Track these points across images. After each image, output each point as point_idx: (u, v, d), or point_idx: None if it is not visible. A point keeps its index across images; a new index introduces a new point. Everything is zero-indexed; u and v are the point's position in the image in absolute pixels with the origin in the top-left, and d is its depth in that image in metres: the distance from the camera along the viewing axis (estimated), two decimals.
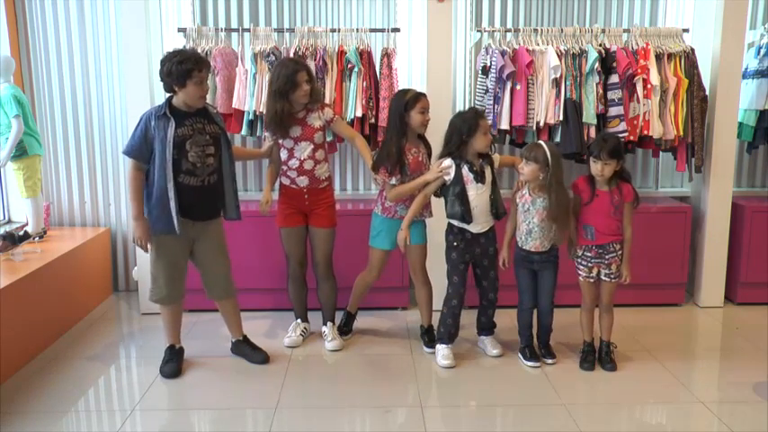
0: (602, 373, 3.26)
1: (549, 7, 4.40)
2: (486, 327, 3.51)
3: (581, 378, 3.22)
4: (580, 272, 3.28)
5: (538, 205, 3.20)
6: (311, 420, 2.83)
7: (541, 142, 3.27)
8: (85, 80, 4.33)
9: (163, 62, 2.99)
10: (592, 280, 3.27)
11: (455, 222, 3.31)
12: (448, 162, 3.24)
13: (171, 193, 2.98)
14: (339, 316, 3.71)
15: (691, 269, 4.29)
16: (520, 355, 3.40)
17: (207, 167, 3.06)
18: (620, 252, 3.21)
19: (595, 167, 3.14)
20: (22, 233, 3.93)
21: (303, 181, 3.42)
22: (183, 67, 2.93)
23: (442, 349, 3.38)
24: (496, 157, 3.37)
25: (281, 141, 3.42)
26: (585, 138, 3.93)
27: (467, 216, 3.21)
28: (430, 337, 3.57)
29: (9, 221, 4.37)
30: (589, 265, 3.25)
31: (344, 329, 3.72)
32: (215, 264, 3.25)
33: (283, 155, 3.42)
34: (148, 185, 3.05)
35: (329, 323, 3.64)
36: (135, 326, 4.00)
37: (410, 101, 3.33)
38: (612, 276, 3.23)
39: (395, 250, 3.46)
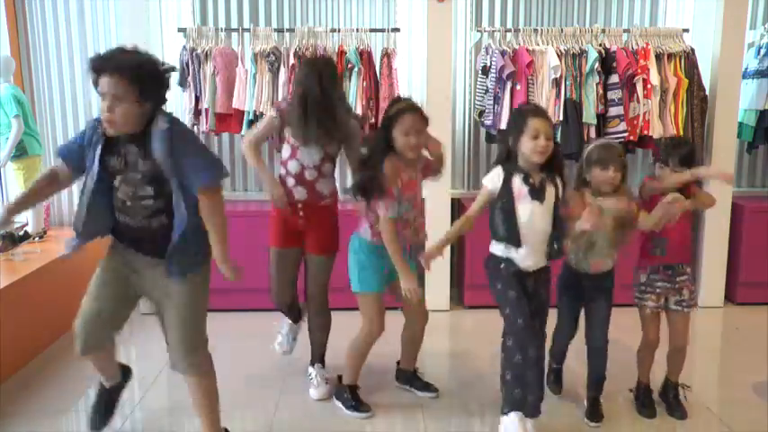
0: None
1: (549, 7, 4.40)
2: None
3: None
4: (646, 302, 2.76)
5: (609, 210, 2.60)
6: (311, 420, 2.83)
7: (610, 142, 2.70)
8: (85, 80, 4.32)
9: None
10: (658, 311, 2.78)
11: (498, 251, 2.54)
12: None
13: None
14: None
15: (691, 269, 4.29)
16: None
17: (143, 209, 2.26)
18: (691, 276, 2.78)
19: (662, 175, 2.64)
20: (22, 233, 3.93)
21: (300, 193, 2.87)
22: (91, 73, 2.14)
23: (510, 420, 2.51)
24: (571, 193, 2.60)
25: (286, 136, 2.90)
26: (585, 138, 3.94)
27: (513, 237, 2.45)
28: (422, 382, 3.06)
29: None
30: (657, 292, 2.74)
31: (353, 404, 2.87)
32: (169, 325, 2.38)
33: (285, 152, 2.91)
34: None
35: (317, 365, 3.06)
36: (135, 326, 3.97)
37: (393, 116, 2.60)
38: (685, 304, 2.74)
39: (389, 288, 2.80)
